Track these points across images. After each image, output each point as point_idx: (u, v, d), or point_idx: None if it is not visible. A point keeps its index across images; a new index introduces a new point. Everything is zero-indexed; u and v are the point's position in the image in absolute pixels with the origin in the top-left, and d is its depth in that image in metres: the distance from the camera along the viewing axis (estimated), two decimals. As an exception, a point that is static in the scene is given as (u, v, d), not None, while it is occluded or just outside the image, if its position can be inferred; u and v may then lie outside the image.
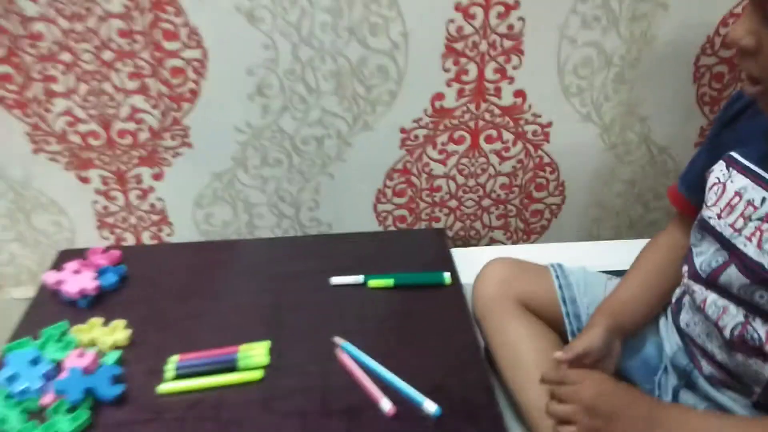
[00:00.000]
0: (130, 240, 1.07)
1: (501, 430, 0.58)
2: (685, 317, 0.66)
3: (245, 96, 0.93)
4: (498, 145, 1.01)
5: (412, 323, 0.69)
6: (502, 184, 1.06)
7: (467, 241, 1.13)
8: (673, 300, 0.70)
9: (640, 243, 0.80)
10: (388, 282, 0.73)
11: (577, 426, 0.55)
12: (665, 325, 0.71)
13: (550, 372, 0.60)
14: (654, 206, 1.12)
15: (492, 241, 1.14)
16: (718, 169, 0.62)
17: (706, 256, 0.62)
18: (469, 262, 0.82)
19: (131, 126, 0.95)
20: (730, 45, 0.52)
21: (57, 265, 0.75)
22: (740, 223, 0.57)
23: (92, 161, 0.99)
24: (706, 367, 0.63)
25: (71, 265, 0.73)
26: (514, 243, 1.15)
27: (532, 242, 1.15)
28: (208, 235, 1.07)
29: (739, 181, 0.59)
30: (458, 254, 0.88)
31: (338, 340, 0.66)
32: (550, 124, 1.00)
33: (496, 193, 1.07)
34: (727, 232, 0.59)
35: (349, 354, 0.64)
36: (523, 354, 0.69)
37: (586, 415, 0.54)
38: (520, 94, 0.96)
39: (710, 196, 0.62)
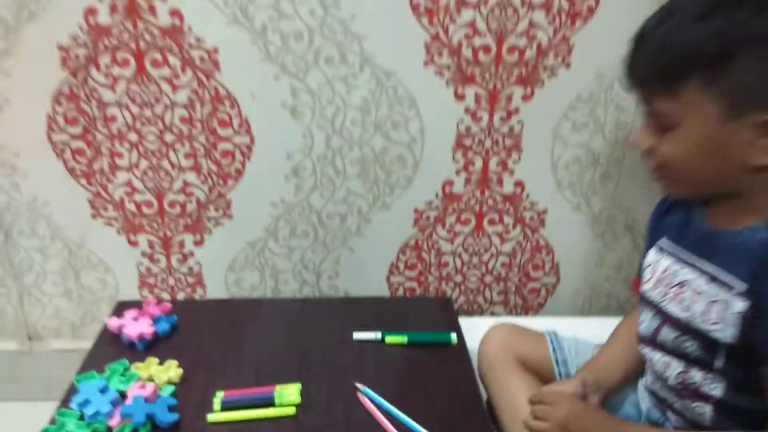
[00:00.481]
0: (166, 299, 1.19)
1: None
2: (648, 377, 0.77)
3: (282, 176, 1.07)
4: (499, 228, 1.15)
5: (422, 374, 0.80)
6: (503, 263, 1.19)
7: (471, 313, 1.24)
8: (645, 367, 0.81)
9: None
10: (403, 339, 0.84)
11: None
12: (641, 386, 0.81)
13: (532, 395, 0.72)
14: (640, 289, 1.24)
15: (493, 315, 1.25)
16: (651, 254, 0.75)
17: (646, 322, 0.74)
18: (473, 329, 0.93)
19: (181, 198, 1.09)
20: (634, 147, 0.69)
21: (117, 313, 0.86)
22: (664, 290, 0.70)
23: (143, 227, 1.12)
24: (671, 416, 0.73)
25: (130, 313, 0.85)
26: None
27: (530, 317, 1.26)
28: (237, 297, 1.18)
29: (665, 260, 0.72)
30: (463, 321, 0.99)
31: (359, 386, 0.76)
32: (545, 212, 1.14)
33: (497, 271, 1.20)
34: (657, 300, 0.71)
35: (369, 397, 0.75)
36: (521, 405, 0.79)
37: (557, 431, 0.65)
38: (519, 184, 1.10)
39: (646, 275, 0.75)
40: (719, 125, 0.59)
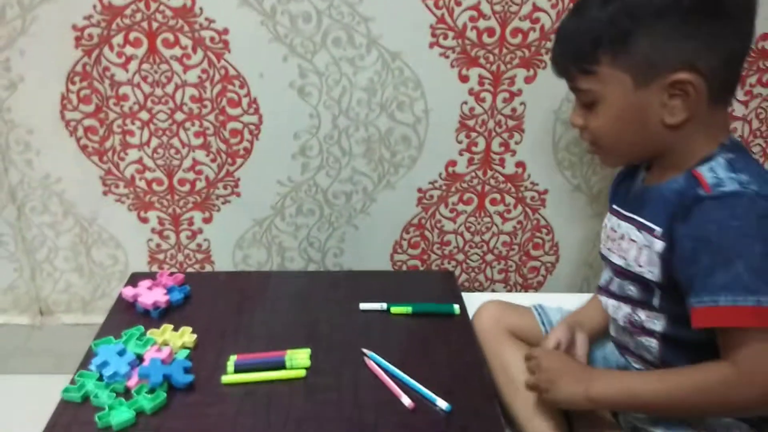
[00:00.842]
0: (175, 275, 1.22)
1: (498, 425, 0.71)
2: (610, 327, 0.85)
3: (290, 155, 1.10)
4: (501, 208, 1.18)
5: (427, 342, 0.83)
6: (504, 242, 1.22)
7: (472, 291, 1.27)
8: None
9: None
10: (407, 309, 0.88)
11: (538, 385, 0.74)
12: (610, 345, 0.87)
13: (526, 353, 0.80)
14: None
15: (494, 292, 1.28)
16: (606, 218, 0.84)
17: (604, 276, 0.83)
18: (473, 304, 0.97)
19: (191, 176, 1.12)
20: (572, 125, 0.77)
21: (132, 283, 0.89)
22: (610, 244, 0.79)
23: (153, 204, 1.15)
24: (631, 359, 0.81)
25: (145, 283, 0.88)
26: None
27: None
28: (245, 274, 1.21)
29: (612, 219, 0.81)
30: (465, 297, 1.02)
31: (366, 351, 0.80)
32: (546, 192, 1.17)
33: (498, 249, 1.23)
34: (606, 253, 0.80)
35: (375, 362, 0.78)
36: (513, 372, 0.84)
37: (543, 377, 0.73)
38: (520, 164, 1.13)
39: (601, 237, 0.84)
40: (634, 93, 0.68)
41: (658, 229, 0.70)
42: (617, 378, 0.73)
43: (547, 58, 1.03)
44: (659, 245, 0.70)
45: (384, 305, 0.89)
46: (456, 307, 0.90)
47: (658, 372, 0.75)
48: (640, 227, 0.73)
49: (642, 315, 0.75)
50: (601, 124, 0.72)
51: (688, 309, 0.65)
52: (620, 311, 0.79)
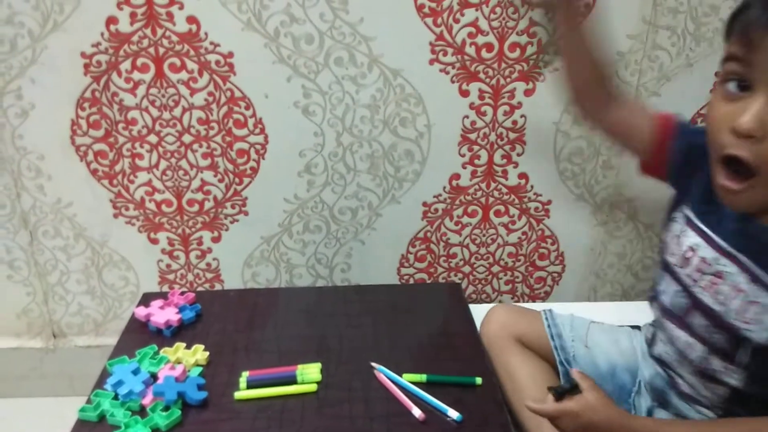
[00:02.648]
0: (185, 295, 1.23)
1: (508, 433, 0.72)
2: (659, 348, 0.79)
3: (295, 173, 1.12)
4: (505, 219, 1.19)
5: (436, 354, 0.84)
6: (510, 253, 1.23)
7: (479, 303, 1.28)
8: (648, 335, 0.85)
9: (632, 305, 0.98)
10: (421, 378, 0.79)
11: None
12: (642, 355, 0.85)
13: (529, 405, 0.71)
14: (643, 277, 1.28)
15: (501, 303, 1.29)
16: (677, 222, 0.72)
17: (668, 295, 0.74)
18: (481, 316, 0.98)
19: (199, 196, 1.14)
20: (740, 134, 0.56)
21: (144, 303, 0.91)
22: (697, 275, 0.68)
23: (162, 225, 1.17)
24: (682, 384, 0.75)
25: (156, 303, 0.90)
26: (520, 307, 1.29)
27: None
28: (254, 292, 1.22)
29: (692, 237, 0.69)
30: (473, 308, 1.03)
31: (375, 365, 0.81)
32: (549, 202, 1.18)
33: (504, 261, 1.24)
34: (688, 281, 0.70)
35: (385, 375, 0.79)
36: (520, 380, 0.84)
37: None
38: (523, 176, 1.15)
39: (670, 246, 0.73)
40: None
41: None
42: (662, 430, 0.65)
43: (545, 71, 1.04)
44: None
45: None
46: (478, 379, 0.80)
47: (709, 425, 0.68)
48: (754, 279, 0.62)
49: (718, 365, 0.67)
50: None
51: None
52: (693, 351, 0.70)
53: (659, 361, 0.80)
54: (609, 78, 0.85)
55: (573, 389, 0.77)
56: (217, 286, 1.23)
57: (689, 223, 0.70)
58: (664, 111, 0.83)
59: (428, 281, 1.24)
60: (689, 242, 0.69)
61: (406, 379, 0.78)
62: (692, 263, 0.68)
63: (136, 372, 0.76)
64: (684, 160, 0.74)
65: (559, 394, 0.76)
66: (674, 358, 0.76)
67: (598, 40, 0.84)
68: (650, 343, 0.83)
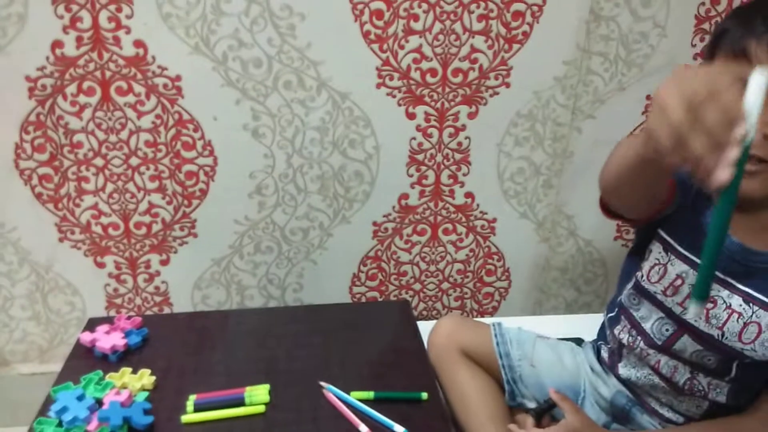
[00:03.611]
0: (134, 318, 1.22)
1: (454, 447, 0.74)
2: (628, 371, 0.79)
3: (246, 195, 1.12)
4: (453, 237, 1.22)
5: (383, 371, 0.86)
6: (458, 269, 1.26)
7: (430, 319, 1.30)
8: (607, 355, 0.86)
9: (576, 318, 1.03)
10: (369, 395, 0.80)
11: None
12: (595, 373, 0.86)
13: (513, 428, 0.76)
14: (585, 290, 1.33)
15: (451, 321, 1.32)
16: (656, 251, 0.73)
17: (650, 322, 0.74)
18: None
19: (147, 219, 1.13)
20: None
21: (89, 328, 0.90)
22: (688, 303, 0.69)
23: (109, 249, 1.15)
24: (652, 403, 0.77)
25: (102, 328, 0.89)
26: (469, 322, 1.32)
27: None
28: (205, 314, 1.22)
29: (679, 266, 0.70)
30: (422, 325, 1.05)
31: (324, 384, 0.82)
32: (495, 220, 1.22)
33: (453, 277, 1.27)
34: (677, 310, 0.70)
35: (334, 394, 0.80)
36: (468, 392, 0.86)
37: None
38: (469, 195, 1.18)
39: (652, 274, 0.73)
40: None
41: None
42: None
43: (487, 95, 1.09)
44: None
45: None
46: (424, 394, 0.81)
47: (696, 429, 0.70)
48: (748, 299, 0.64)
49: (704, 383, 0.69)
50: None
51: None
52: (678, 374, 0.72)
53: (625, 382, 0.81)
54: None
55: (549, 408, 0.80)
56: (166, 310, 1.22)
57: (674, 251, 0.71)
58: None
59: (380, 299, 1.26)
60: (677, 271, 0.70)
61: (354, 396, 0.80)
62: (682, 291, 0.70)
63: (80, 398, 0.75)
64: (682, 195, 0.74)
65: (538, 413, 0.79)
66: (647, 382, 0.77)
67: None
68: (611, 363, 0.84)
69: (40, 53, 0.98)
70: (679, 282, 0.70)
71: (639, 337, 0.76)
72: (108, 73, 1.01)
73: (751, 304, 0.65)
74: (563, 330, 1.07)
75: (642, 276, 0.75)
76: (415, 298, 1.27)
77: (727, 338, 0.66)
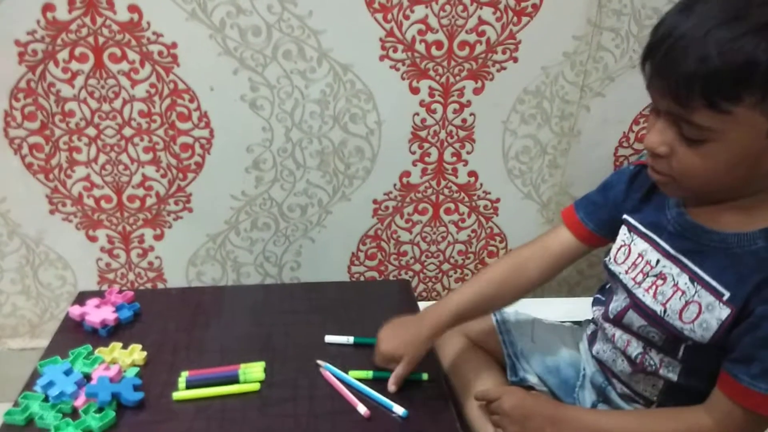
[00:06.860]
0: (127, 294, 1.19)
1: (454, 429, 0.72)
2: (597, 346, 0.81)
3: (243, 169, 1.09)
4: (455, 217, 1.19)
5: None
6: (459, 250, 1.23)
7: (430, 300, 1.27)
8: (588, 332, 0.86)
9: (578, 301, 0.99)
10: (367, 374, 0.79)
11: (504, 429, 0.71)
12: (585, 352, 0.86)
13: (477, 392, 0.77)
14: (588, 273, 1.30)
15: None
16: (622, 233, 0.75)
17: (617, 302, 0.75)
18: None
19: (140, 192, 1.10)
20: (647, 149, 0.62)
21: (79, 302, 0.87)
22: (640, 277, 0.70)
23: (102, 222, 1.12)
24: (617, 385, 0.78)
25: (93, 302, 0.86)
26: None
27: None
28: (199, 291, 1.19)
29: (641, 244, 0.72)
30: (422, 306, 1.02)
31: (321, 362, 0.79)
32: (498, 200, 1.19)
33: (454, 258, 1.24)
34: (630, 284, 0.72)
35: (330, 372, 0.78)
36: (467, 375, 0.85)
37: (507, 420, 0.70)
38: (472, 174, 1.15)
39: (619, 256, 0.75)
40: (764, 139, 0.55)
41: (726, 293, 0.61)
42: (592, 419, 0.70)
43: (494, 70, 1.05)
44: (724, 313, 0.61)
45: (351, 339, 0.85)
46: (425, 375, 0.80)
47: (635, 415, 0.72)
48: (694, 279, 0.64)
49: (656, 359, 0.69)
50: (700, 164, 0.58)
51: (725, 368, 0.61)
52: (631, 347, 0.72)
53: (597, 359, 0.81)
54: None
55: None
56: (160, 286, 1.19)
57: (636, 231, 0.73)
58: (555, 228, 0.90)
59: (379, 279, 1.23)
60: (638, 249, 0.72)
61: (353, 375, 0.77)
62: (637, 268, 0.71)
63: (68, 373, 0.72)
64: (610, 211, 0.80)
65: None
66: (610, 356, 0.78)
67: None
68: (590, 341, 0.85)
69: (31, 17, 0.94)
70: (639, 260, 0.71)
71: (600, 312, 0.79)
72: (101, 39, 0.97)
73: (695, 283, 0.64)
74: (565, 313, 1.05)
75: (609, 258, 0.77)
76: (415, 279, 1.25)
77: (668, 315, 0.66)
